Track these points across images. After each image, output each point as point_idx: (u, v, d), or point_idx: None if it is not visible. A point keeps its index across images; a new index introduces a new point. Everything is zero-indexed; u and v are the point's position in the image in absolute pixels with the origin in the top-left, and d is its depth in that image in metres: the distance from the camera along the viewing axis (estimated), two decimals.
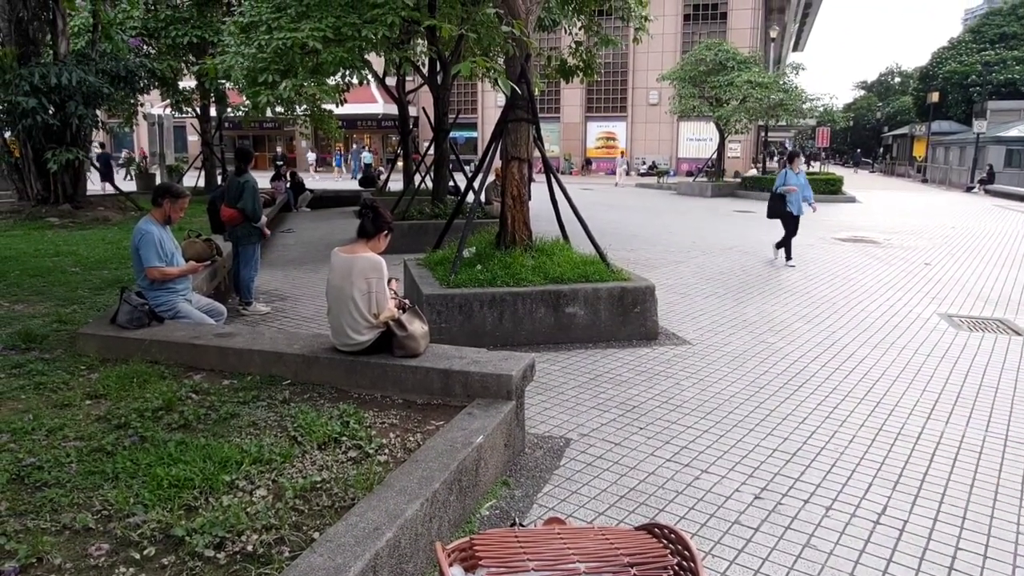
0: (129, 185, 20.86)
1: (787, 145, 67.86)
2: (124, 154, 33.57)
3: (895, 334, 6.80)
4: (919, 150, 45.26)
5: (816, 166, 39.23)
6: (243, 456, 3.16)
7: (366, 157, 34.15)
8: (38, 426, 3.51)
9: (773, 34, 37.03)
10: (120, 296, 4.89)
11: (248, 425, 3.57)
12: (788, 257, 10.55)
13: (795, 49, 69.17)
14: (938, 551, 3.16)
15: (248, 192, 7.13)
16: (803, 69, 25.17)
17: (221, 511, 2.70)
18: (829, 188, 23.19)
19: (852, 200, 22.49)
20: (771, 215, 10.83)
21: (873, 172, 53.65)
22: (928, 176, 39.99)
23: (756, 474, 3.86)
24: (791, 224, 10.54)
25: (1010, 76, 40.29)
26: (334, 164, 40.31)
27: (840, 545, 3.18)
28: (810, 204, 10.74)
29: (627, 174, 34.04)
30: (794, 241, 10.61)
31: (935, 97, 40.33)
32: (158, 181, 18.48)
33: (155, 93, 17.56)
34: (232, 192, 7.17)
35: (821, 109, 24.89)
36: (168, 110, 17.84)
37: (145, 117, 17.23)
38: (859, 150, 67.42)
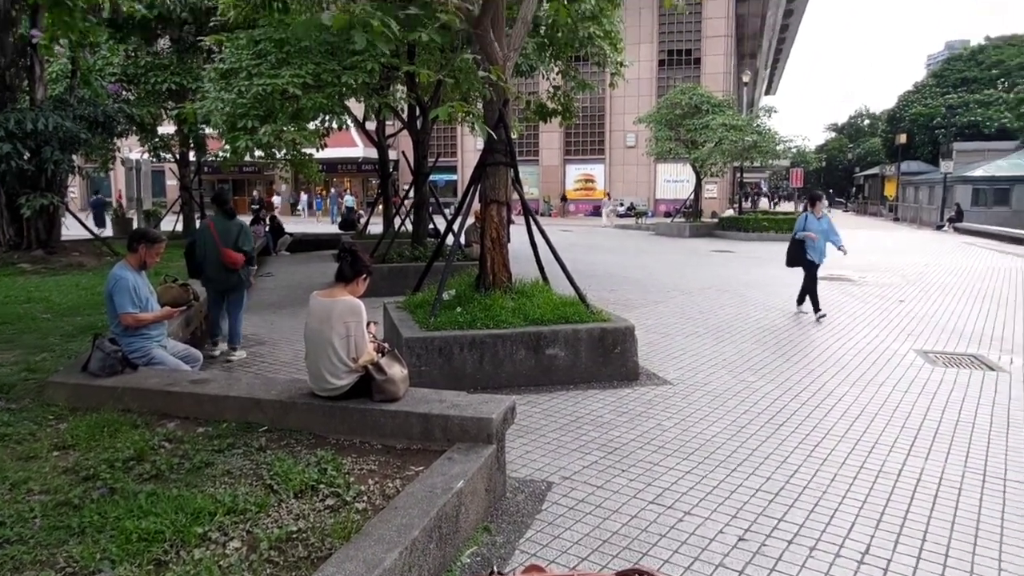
0: (106, 230, 20.71)
1: (762, 186, 69.30)
2: (94, 199, 33.38)
3: (873, 371, 6.85)
4: (890, 190, 46.35)
5: (791, 206, 39.98)
6: (216, 506, 3.08)
7: (348, 201, 34.19)
8: (1, 480, 3.40)
9: (745, 78, 38.08)
10: (92, 343, 4.80)
11: (223, 474, 3.49)
12: (816, 308, 9.43)
13: (767, 92, 71.15)
14: None
15: (250, 234, 7.20)
16: (775, 112, 25.89)
17: (192, 565, 2.62)
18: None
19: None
20: (790, 263, 9.80)
21: (847, 211, 54.76)
22: (900, 215, 40.87)
23: (739, 515, 3.82)
24: (811, 273, 9.57)
25: (973, 118, 41.64)
26: (312, 207, 40.25)
27: None
28: (839, 247, 9.79)
29: (611, 215, 34.38)
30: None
31: (903, 138, 41.49)
32: (135, 226, 18.37)
33: (133, 138, 17.56)
34: (231, 235, 7.03)
35: (794, 150, 25.50)
36: (146, 155, 17.83)
37: (123, 162, 17.19)
38: (831, 190, 68.89)
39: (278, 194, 41.55)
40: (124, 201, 25.38)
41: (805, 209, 9.99)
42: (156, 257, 5.25)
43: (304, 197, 41.61)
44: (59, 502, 3.16)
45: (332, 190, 40.31)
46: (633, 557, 3.38)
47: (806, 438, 5.02)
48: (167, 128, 19.17)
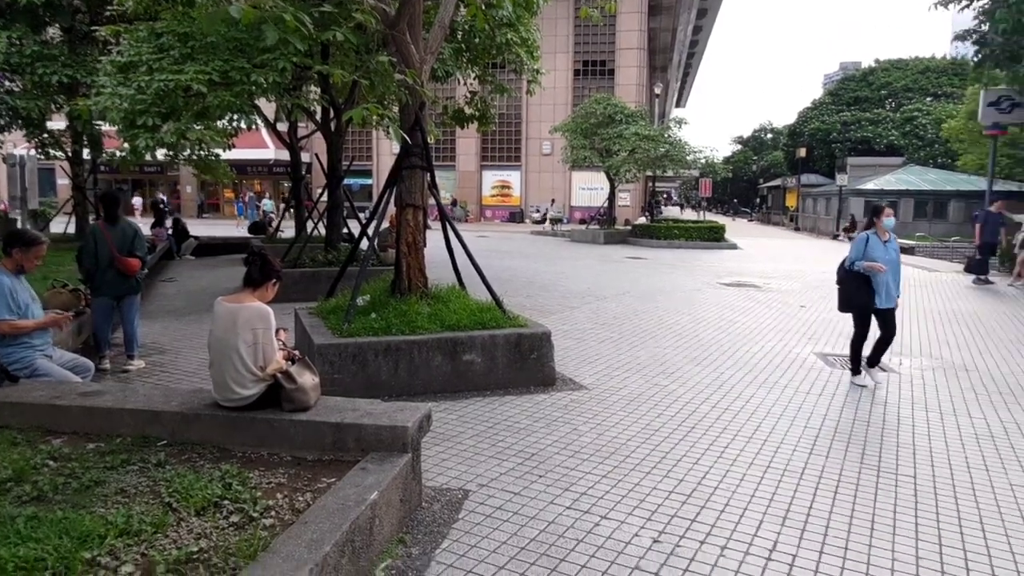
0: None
1: (673, 195, 71.44)
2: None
3: (777, 373, 7.14)
4: (791, 200, 48.89)
5: (700, 214, 41.50)
6: (107, 528, 2.85)
7: (267, 205, 32.88)
8: None
9: (657, 90, 39.28)
10: None
11: (115, 493, 3.25)
12: (872, 363, 6.78)
13: (678, 105, 73.75)
14: None
15: (143, 238, 6.88)
16: (686, 123, 26.74)
17: None
18: (712, 235, 24.52)
19: (734, 247, 23.82)
20: (845, 307, 6.87)
21: (751, 221, 57.33)
22: (800, 224, 43.11)
23: (654, 517, 3.88)
24: (885, 322, 6.62)
25: (865, 135, 44.52)
26: (203, 210, 38.17)
27: None
28: (895, 296, 6.65)
29: (556, 222, 33.94)
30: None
31: (802, 152, 43.86)
32: (19, 227, 17.06)
33: (18, 132, 16.35)
34: (127, 240, 6.69)
35: (703, 161, 26.44)
36: (32, 151, 16.64)
37: (4, 159, 15.99)
38: (735, 199, 72.03)
39: (148, 196, 39.09)
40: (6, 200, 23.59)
41: (867, 226, 6.82)
42: (36, 260, 4.87)
43: (162, 197, 39.25)
44: None
45: (251, 193, 38.78)
46: (551, 564, 3.36)
47: (716, 440, 5.16)
48: (57, 123, 17.93)
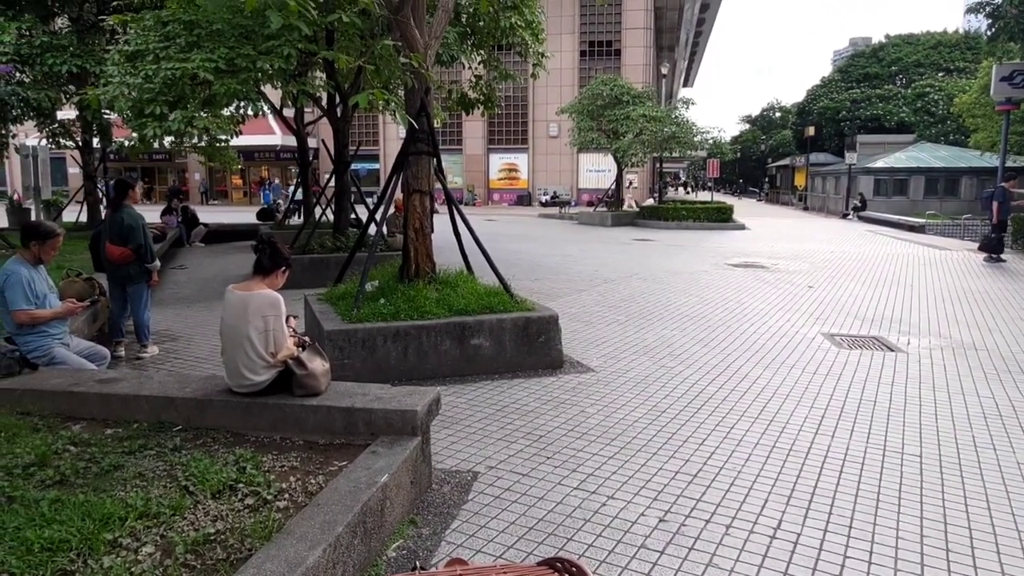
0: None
1: (681, 176, 70.93)
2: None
3: (784, 354, 7.17)
4: (800, 180, 48.54)
5: (708, 195, 41.27)
6: (127, 511, 2.94)
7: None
8: None
9: (664, 70, 38.98)
10: None
11: (134, 476, 3.34)
12: None
13: (685, 84, 73.04)
14: (829, 560, 3.32)
15: (137, 228, 6.78)
16: (693, 104, 26.58)
17: (102, 574, 2.50)
18: (720, 216, 24.41)
19: (742, 227, 23.72)
20: None
21: (760, 201, 56.95)
22: (809, 204, 42.85)
23: (660, 497, 3.94)
24: None
25: (875, 112, 44.05)
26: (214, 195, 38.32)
27: (740, 562, 3.29)
28: None
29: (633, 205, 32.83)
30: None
31: (811, 131, 43.45)
32: (33, 217, 17.21)
33: (30, 123, 16.47)
34: (115, 228, 6.76)
35: (711, 142, 26.27)
36: (44, 141, 16.75)
37: (18, 149, 16.09)
38: (742, 180, 71.57)
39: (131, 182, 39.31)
40: (21, 190, 23.75)
41: None
42: (52, 251, 4.96)
43: (178, 187, 39.11)
44: None
45: (275, 180, 38.78)
46: (558, 543, 3.43)
47: (722, 420, 5.21)
48: (67, 113, 18.03)
